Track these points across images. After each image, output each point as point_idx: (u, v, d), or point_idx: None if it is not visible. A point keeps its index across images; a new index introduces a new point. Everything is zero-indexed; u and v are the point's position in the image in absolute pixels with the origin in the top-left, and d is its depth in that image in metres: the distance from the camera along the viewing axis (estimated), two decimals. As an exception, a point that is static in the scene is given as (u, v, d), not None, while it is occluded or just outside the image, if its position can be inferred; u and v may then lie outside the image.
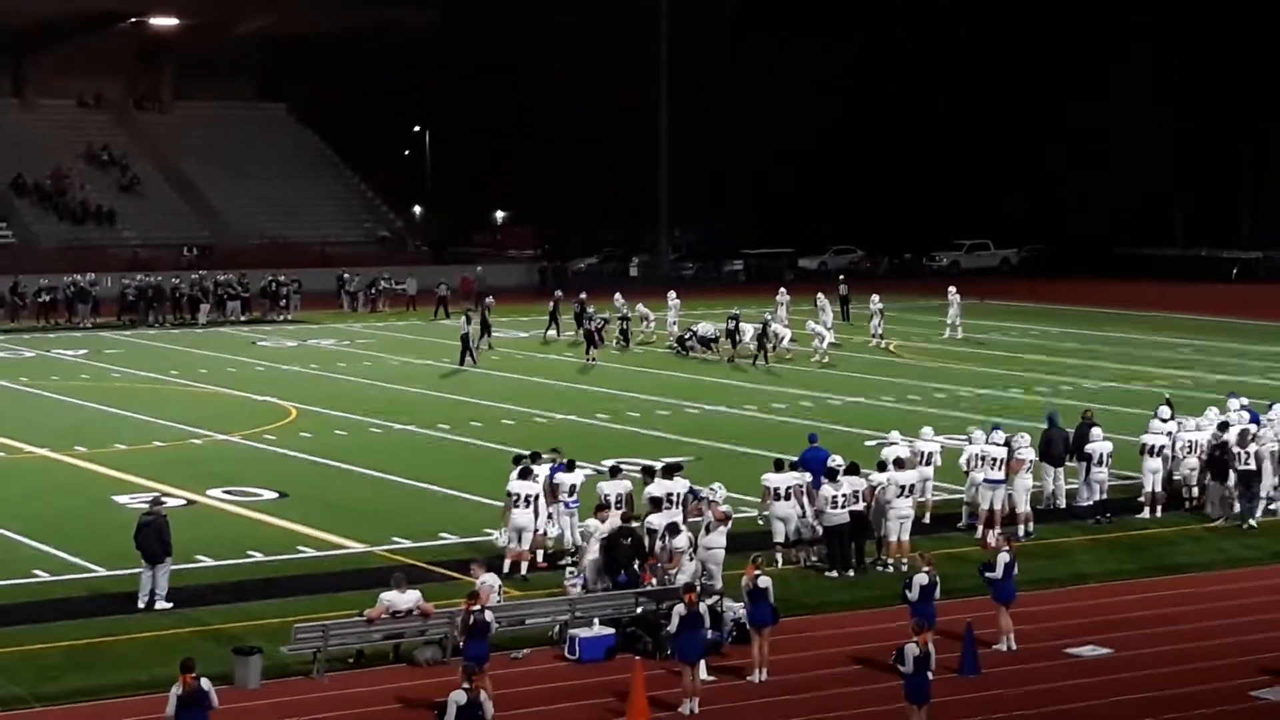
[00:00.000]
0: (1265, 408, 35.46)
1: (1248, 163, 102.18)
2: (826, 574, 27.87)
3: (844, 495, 27.79)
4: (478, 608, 21.46)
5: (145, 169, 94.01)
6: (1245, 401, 35.76)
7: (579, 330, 60.47)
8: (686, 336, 57.55)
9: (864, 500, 28.14)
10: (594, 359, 55.26)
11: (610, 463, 29.81)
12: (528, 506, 27.44)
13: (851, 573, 27.84)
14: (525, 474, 27.90)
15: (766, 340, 54.66)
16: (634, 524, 25.97)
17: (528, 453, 29.47)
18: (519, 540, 27.55)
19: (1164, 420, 33.12)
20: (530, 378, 52.09)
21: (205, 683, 18.83)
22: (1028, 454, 30.78)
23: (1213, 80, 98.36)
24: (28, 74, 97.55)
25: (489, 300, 61.02)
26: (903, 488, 28.50)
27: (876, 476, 28.66)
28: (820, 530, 28.32)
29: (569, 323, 61.78)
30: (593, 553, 25.74)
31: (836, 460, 29.00)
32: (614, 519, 26.22)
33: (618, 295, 62.49)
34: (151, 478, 35.37)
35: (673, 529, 25.53)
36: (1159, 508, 32.15)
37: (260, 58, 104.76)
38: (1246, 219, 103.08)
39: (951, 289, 64.70)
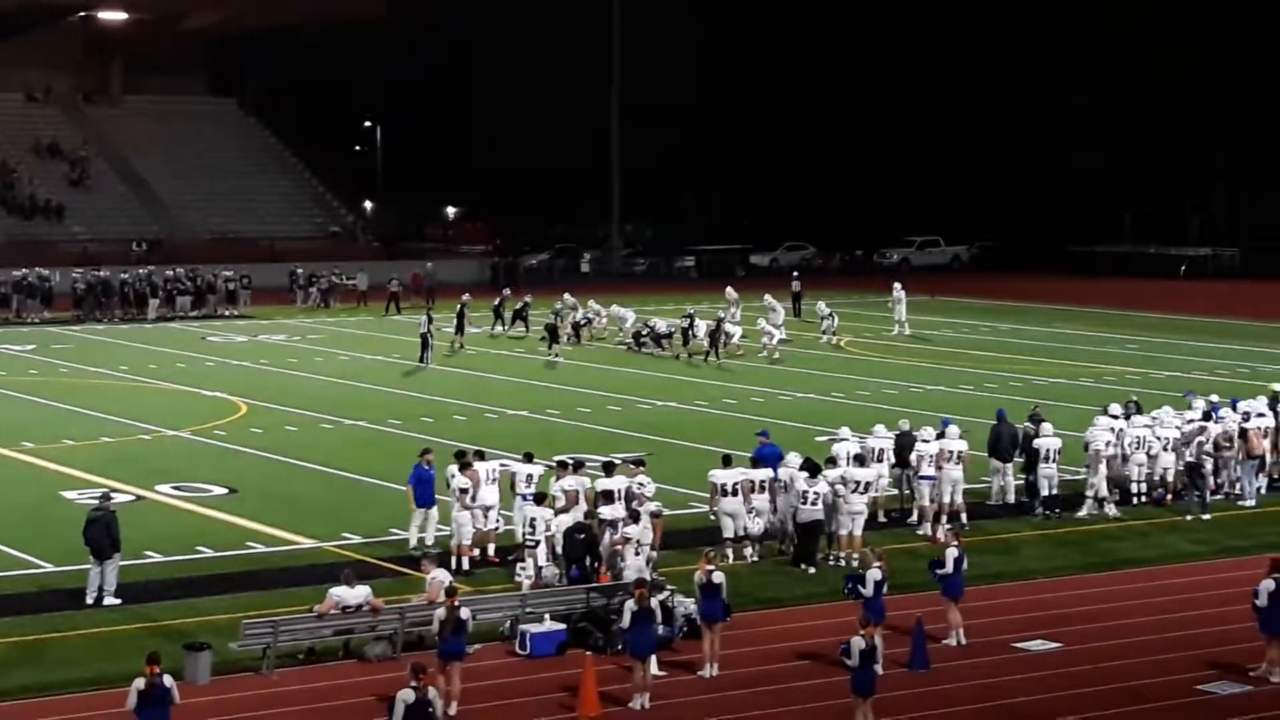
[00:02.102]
0: (1227, 403, 35.65)
1: (1197, 161, 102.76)
2: (802, 566, 27.99)
3: (816, 492, 27.94)
4: (457, 604, 21.45)
5: (94, 163, 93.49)
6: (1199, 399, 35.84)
7: (512, 324, 60.80)
8: (643, 332, 57.59)
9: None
10: (556, 354, 55.22)
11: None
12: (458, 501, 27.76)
13: (812, 570, 27.95)
14: (465, 468, 28.06)
15: (719, 337, 54.75)
16: (592, 520, 26.00)
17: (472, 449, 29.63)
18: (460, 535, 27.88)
19: (1114, 417, 33.34)
20: (482, 374, 52.03)
21: (168, 679, 18.75)
22: (957, 445, 30.95)
23: (1164, 79, 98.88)
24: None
25: (466, 298, 60.43)
26: (859, 483, 28.64)
27: (832, 473, 28.80)
28: (769, 526, 28.54)
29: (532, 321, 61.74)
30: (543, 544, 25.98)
31: (792, 457, 29.20)
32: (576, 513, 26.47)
33: (566, 295, 62.46)
34: (100, 473, 35.21)
35: (633, 515, 25.55)
36: (1108, 504, 32.36)
37: (210, 52, 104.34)
38: (1195, 217, 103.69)
39: (897, 285, 64.94)
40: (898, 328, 62.81)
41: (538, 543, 26.02)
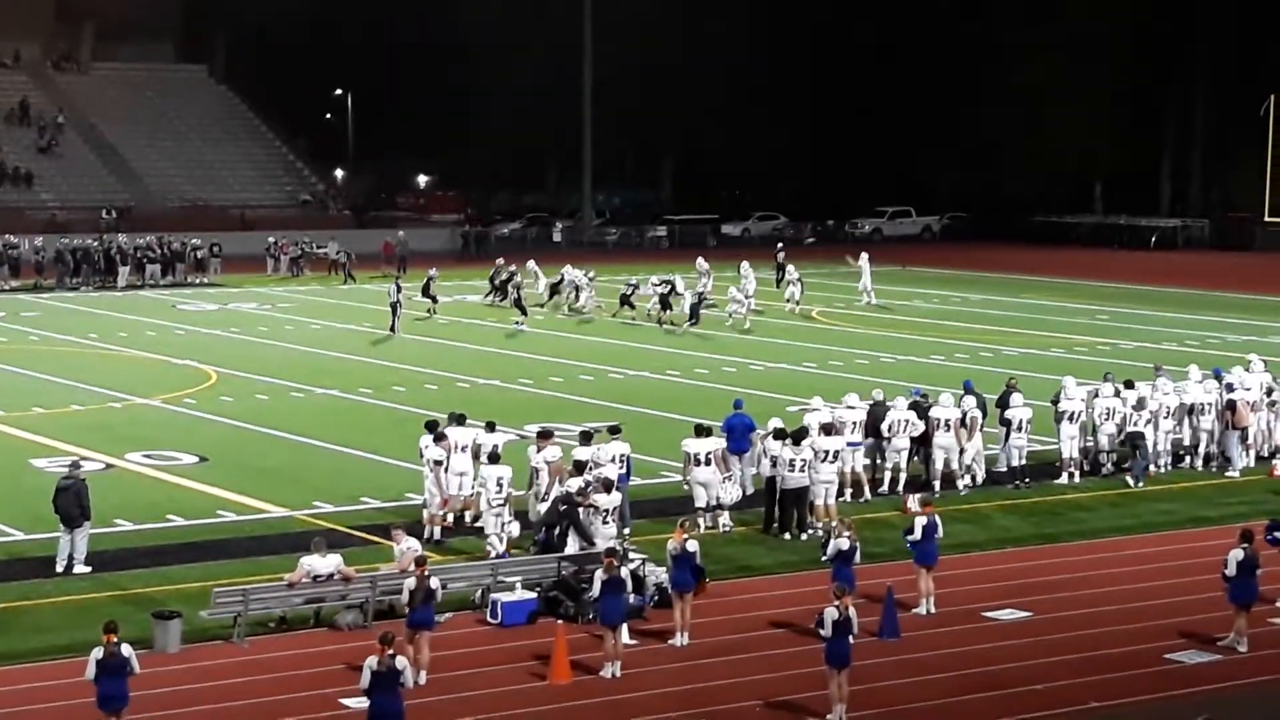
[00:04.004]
0: (1182, 373, 35.72)
1: (1167, 132, 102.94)
2: (780, 535, 28.07)
3: (802, 460, 28.00)
4: (427, 574, 21.46)
5: (64, 130, 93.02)
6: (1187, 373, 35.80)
7: (493, 293, 60.92)
8: (627, 292, 57.88)
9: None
10: (520, 323, 55.18)
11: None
12: (431, 471, 27.59)
13: (805, 535, 27.99)
14: (439, 439, 27.93)
15: (699, 308, 54.91)
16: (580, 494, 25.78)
17: (443, 416, 29.57)
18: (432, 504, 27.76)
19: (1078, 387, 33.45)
20: (454, 343, 52.00)
21: (126, 648, 18.74)
22: (948, 414, 31.13)
23: (1135, 49, 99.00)
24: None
25: (433, 272, 60.12)
26: (828, 453, 28.69)
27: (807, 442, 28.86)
28: (739, 495, 28.63)
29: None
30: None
31: (775, 422, 29.30)
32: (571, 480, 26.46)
33: (530, 262, 62.25)
34: (70, 441, 35.10)
35: (604, 485, 25.53)
36: (1077, 473, 32.51)
37: (181, 19, 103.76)
38: (1165, 188, 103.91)
39: (863, 255, 64.82)
40: (864, 297, 62.76)
41: (505, 501, 26.15)
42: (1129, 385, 33.48)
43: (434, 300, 58.10)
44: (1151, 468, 32.81)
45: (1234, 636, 22.67)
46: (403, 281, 58.24)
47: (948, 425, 31.15)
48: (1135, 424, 32.36)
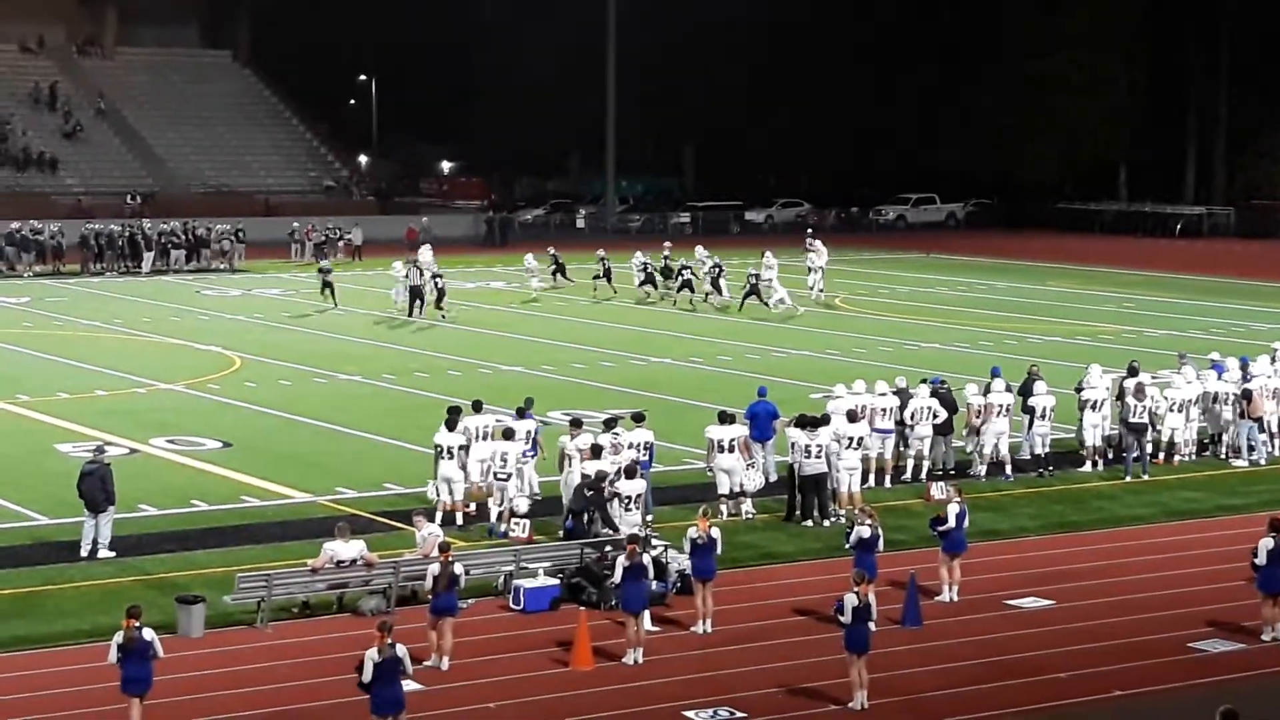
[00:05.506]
0: (1206, 362, 35.61)
1: (1192, 119, 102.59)
2: (802, 523, 28.04)
3: (819, 445, 27.96)
4: (451, 560, 21.48)
5: (88, 115, 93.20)
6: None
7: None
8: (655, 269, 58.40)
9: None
10: (443, 315, 53.75)
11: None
12: (452, 458, 27.46)
13: (827, 522, 27.96)
14: (451, 425, 27.89)
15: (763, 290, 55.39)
16: (604, 480, 25.74)
17: (469, 403, 29.56)
18: (449, 492, 27.61)
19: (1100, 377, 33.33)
20: (476, 329, 52.01)
21: (148, 632, 18.79)
22: (1003, 399, 31.18)
23: (1158, 35, 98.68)
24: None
25: (331, 256, 58.86)
26: (851, 439, 28.67)
27: (827, 429, 28.81)
28: (762, 482, 28.61)
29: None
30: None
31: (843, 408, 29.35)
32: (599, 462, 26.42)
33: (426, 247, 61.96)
34: (94, 426, 35.22)
35: (628, 472, 25.55)
36: (1100, 462, 32.41)
37: (204, 3, 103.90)
38: (1190, 175, 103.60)
39: (816, 242, 60.86)
40: (817, 286, 58.95)
41: (509, 476, 26.53)
42: (1132, 373, 33.33)
43: (330, 290, 56.64)
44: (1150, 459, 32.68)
45: (1265, 626, 22.59)
46: (421, 265, 58.19)
47: (1005, 410, 31.16)
48: (1138, 415, 32.11)
